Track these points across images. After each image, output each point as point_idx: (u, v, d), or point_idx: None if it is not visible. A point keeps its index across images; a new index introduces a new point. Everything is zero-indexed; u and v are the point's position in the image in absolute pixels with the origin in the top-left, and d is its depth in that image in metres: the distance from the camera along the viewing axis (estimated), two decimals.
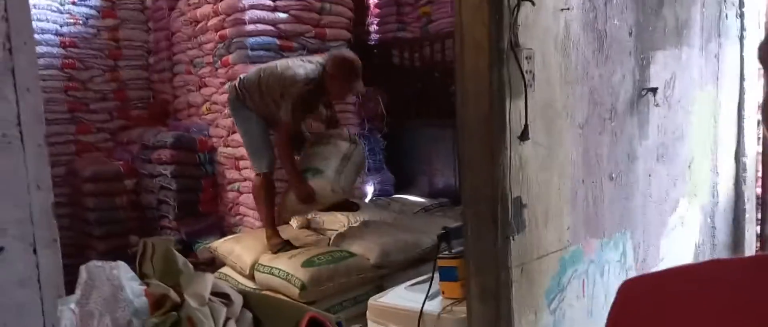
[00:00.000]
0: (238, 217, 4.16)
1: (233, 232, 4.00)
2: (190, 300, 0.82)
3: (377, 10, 4.95)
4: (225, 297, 0.91)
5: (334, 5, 4.11)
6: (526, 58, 1.65)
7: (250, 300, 0.94)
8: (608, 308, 0.62)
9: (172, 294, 0.87)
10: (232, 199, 4.19)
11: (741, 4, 2.66)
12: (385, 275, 3.17)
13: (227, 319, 0.86)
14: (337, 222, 3.60)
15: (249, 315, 0.92)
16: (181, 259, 0.97)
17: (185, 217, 4.15)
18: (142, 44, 4.85)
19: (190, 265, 0.98)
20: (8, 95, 0.98)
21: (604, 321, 0.62)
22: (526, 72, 1.66)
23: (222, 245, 3.47)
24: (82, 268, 0.82)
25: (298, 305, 0.93)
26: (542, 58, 1.73)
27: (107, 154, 4.66)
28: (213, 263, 3.58)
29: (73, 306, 0.77)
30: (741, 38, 2.69)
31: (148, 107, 4.89)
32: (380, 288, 2.87)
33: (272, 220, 3.32)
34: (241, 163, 4.02)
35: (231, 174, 4.16)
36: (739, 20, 2.67)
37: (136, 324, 0.86)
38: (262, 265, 3.10)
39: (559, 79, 1.82)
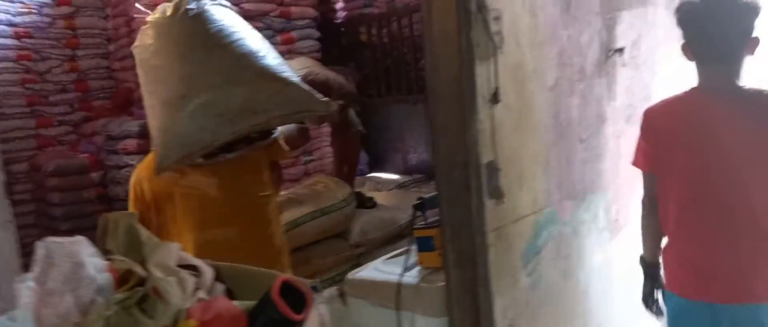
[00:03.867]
0: None
1: None
2: (154, 270, 0.78)
3: None
4: (193, 269, 0.88)
5: None
6: (494, 18, 1.63)
7: (221, 272, 0.91)
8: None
9: (138, 269, 0.83)
10: None
11: None
12: (362, 253, 3.15)
13: (196, 289, 0.82)
14: None
15: (221, 287, 0.89)
16: (144, 232, 0.92)
17: None
18: (100, 32, 4.68)
19: (155, 238, 0.94)
20: None
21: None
22: (495, 33, 1.64)
23: None
24: (39, 245, 0.78)
25: (271, 273, 0.90)
26: (510, 19, 1.72)
27: (71, 148, 4.51)
28: None
29: (31, 283, 0.72)
30: None
31: (111, 97, 4.74)
32: (358, 266, 2.85)
33: None
34: None
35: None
36: None
37: (100, 301, 0.82)
38: None
39: (528, 40, 1.80)
